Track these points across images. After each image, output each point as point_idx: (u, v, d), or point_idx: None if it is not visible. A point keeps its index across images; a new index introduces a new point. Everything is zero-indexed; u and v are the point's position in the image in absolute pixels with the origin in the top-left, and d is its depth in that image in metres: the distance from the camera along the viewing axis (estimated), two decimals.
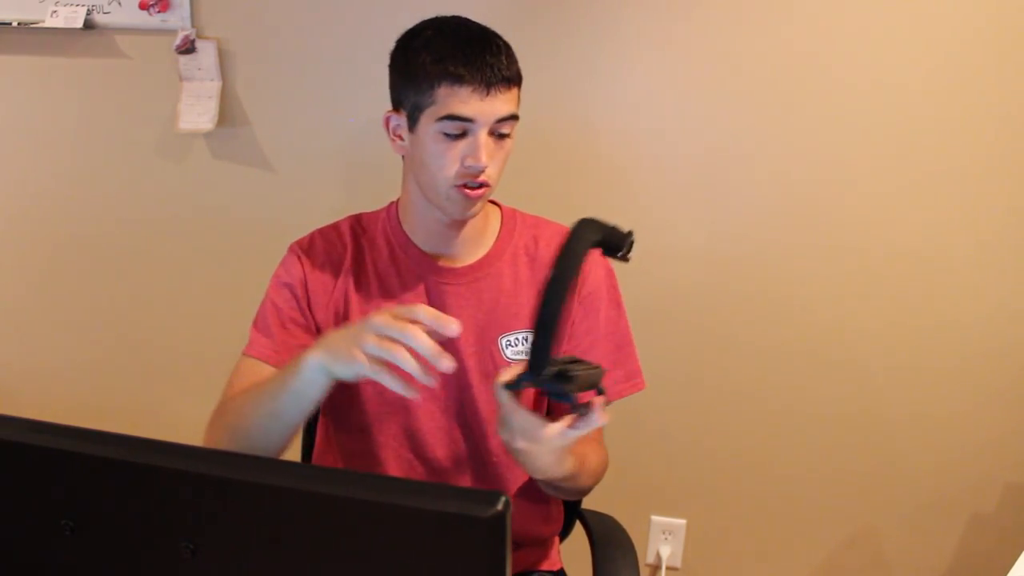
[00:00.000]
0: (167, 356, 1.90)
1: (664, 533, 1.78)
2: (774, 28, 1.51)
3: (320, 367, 0.87)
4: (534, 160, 1.63)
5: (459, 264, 1.12)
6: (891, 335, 1.60)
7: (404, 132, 1.07)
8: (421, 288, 1.11)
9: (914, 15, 1.47)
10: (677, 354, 1.67)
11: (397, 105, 1.08)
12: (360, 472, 0.93)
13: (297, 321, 1.11)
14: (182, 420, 1.95)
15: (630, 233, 0.83)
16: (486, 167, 1.01)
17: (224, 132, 1.72)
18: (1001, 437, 1.60)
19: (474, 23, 1.05)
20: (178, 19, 1.68)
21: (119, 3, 1.69)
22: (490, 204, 1.16)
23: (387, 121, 1.10)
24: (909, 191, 1.53)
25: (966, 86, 1.48)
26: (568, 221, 1.24)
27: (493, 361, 1.11)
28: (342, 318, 1.11)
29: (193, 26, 1.68)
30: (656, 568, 1.80)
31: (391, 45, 1.09)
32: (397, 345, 0.82)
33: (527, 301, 1.11)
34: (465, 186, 1.02)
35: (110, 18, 1.71)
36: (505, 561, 0.56)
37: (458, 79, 0.98)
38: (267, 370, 1.07)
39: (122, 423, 1.93)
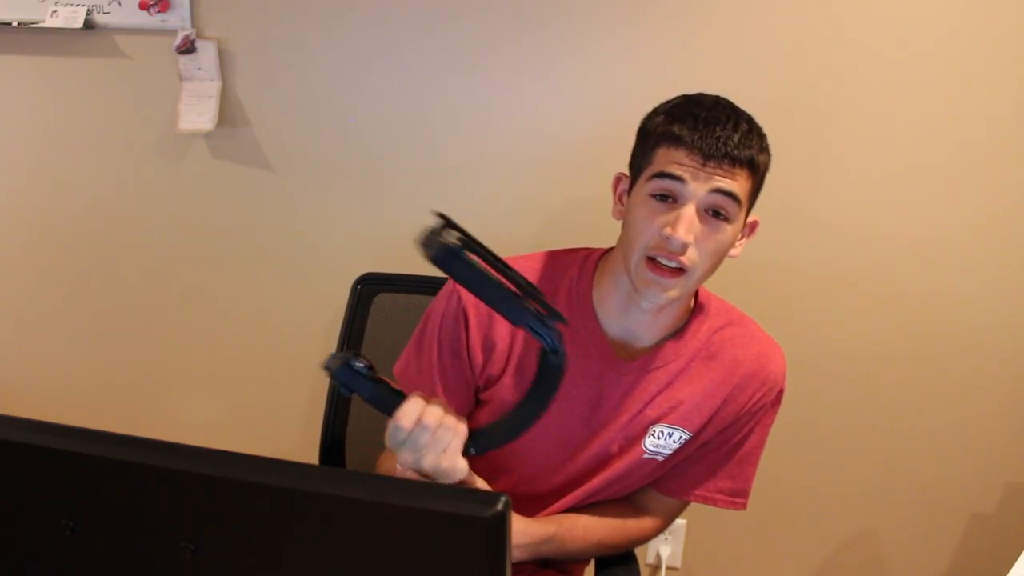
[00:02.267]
0: (167, 356, 1.90)
1: (664, 533, 1.77)
2: (774, 28, 1.51)
3: None
4: (532, 161, 1.63)
5: (637, 351, 1.06)
6: (891, 336, 1.60)
7: (626, 195, 1.02)
8: (592, 381, 1.05)
9: (914, 15, 1.47)
10: None
11: (630, 167, 1.03)
12: (360, 472, 0.93)
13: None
14: (182, 420, 1.96)
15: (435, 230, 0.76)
16: (685, 243, 0.93)
17: (224, 132, 1.72)
18: (1001, 437, 1.60)
19: (729, 103, 1.00)
20: (178, 19, 1.68)
21: (119, 3, 1.69)
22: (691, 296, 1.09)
23: (616, 182, 1.06)
24: (908, 194, 1.53)
25: (968, 86, 1.48)
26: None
27: (634, 446, 1.08)
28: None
29: (193, 26, 1.68)
30: (656, 568, 1.80)
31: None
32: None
33: (689, 399, 1.06)
34: (656, 261, 0.95)
35: (110, 18, 1.70)
36: (505, 561, 0.56)
37: (677, 140, 0.94)
38: None
39: (122, 423, 1.93)
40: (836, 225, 1.57)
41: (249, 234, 1.77)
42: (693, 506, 1.75)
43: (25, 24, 1.72)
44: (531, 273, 1.08)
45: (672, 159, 0.95)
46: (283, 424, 1.85)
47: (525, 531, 1.04)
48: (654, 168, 0.96)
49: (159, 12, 1.68)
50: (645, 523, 1.16)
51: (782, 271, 1.60)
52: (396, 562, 0.58)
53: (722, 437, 1.11)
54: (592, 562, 1.21)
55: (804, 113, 1.53)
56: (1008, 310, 1.55)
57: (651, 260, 0.96)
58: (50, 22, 1.69)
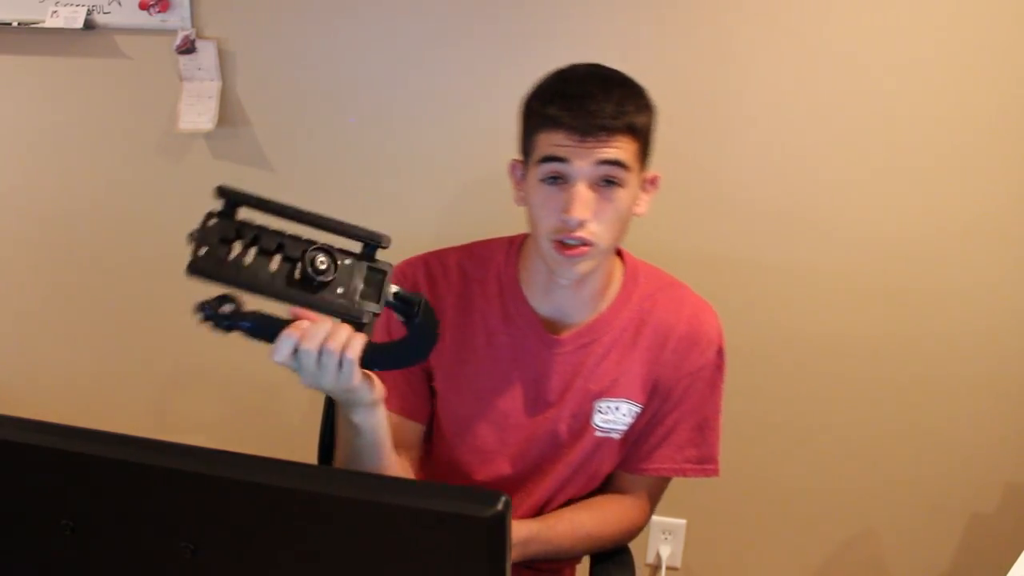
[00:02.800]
0: (167, 356, 1.90)
1: (664, 533, 1.78)
2: (775, 29, 1.51)
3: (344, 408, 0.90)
4: None
5: (568, 327, 1.08)
6: (891, 336, 1.60)
7: (523, 181, 1.04)
8: (531, 360, 1.08)
9: (911, 13, 1.47)
10: None
11: (520, 152, 1.05)
12: (360, 472, 0.93)
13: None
14: (183, 421, 1.96)
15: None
16: (582, 221, 0.96)
17: (224, 132, 1.72)
18: (1001, 437, 1.60)
19: (602, 68, 1.01)
20: (178, 19, 1.68)
21: (119, 3, 1.69)
22: (614, 258, 1.11)
23: (512, 169, 1.07)
24: (906, 195, 1.53)
25: (964, 84, 1.48)
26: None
27: (584, 424, 1.09)
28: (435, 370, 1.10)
29: (193, 26, 1.68)
30: (656, 568, 1.80)
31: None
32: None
33: (629, 369, 1.08)
34: (562, 242, 0.97)
35: (110, 18, 1.70)
36: (505, 561, 0.56)
37: (553, 122, 0.96)
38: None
39: (122, 423, 1.93)
40: (835, 224, 1.57)
41: None
42: (693, 506, 1.76)
43: (25, 24, 1.72)
44: (461, 262, 1.11)
45: (552, 142, 0.96)
46: (282, 424, 1.85)
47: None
48: (538, 153, 0.98)
49: (159, 12, 1.68)
50: (630, 508, 1.16)
51: (782, 271, 1.60)
52: (396, 562, 0.58)
53: (672, 404, 1.11)
54: (588, 564, 1.21)
55: (803, 113, 1.53)
56: (1008, 310, 1.55)
57: (557, 242, 0.98)
58: (50, 22, 1.69)
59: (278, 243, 0.79)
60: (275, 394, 1.85)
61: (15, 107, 1.82)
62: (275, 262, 0.79)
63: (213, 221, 0.79)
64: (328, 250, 0.80)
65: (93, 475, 0.60)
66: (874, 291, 1.58)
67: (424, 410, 1.13)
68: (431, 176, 1.68)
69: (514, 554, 1.04)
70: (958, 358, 1.58)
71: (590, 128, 0.95)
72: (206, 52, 1.68)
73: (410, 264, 1.12)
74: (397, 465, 1.03)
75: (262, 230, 0.80)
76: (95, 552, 0.62)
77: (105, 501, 0.60)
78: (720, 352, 1.13)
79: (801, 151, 1.55)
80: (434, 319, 0.84)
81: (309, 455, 1.36)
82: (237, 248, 0.79)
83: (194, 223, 0.82)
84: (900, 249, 1.56)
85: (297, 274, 0.79)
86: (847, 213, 1.56)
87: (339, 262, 0.80)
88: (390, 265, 0.83)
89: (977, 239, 1.53)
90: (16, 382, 1.98)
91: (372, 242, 0.82)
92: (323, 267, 0.79)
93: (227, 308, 0.80)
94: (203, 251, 0.77)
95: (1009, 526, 1.63)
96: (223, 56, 1.68)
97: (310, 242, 0.80)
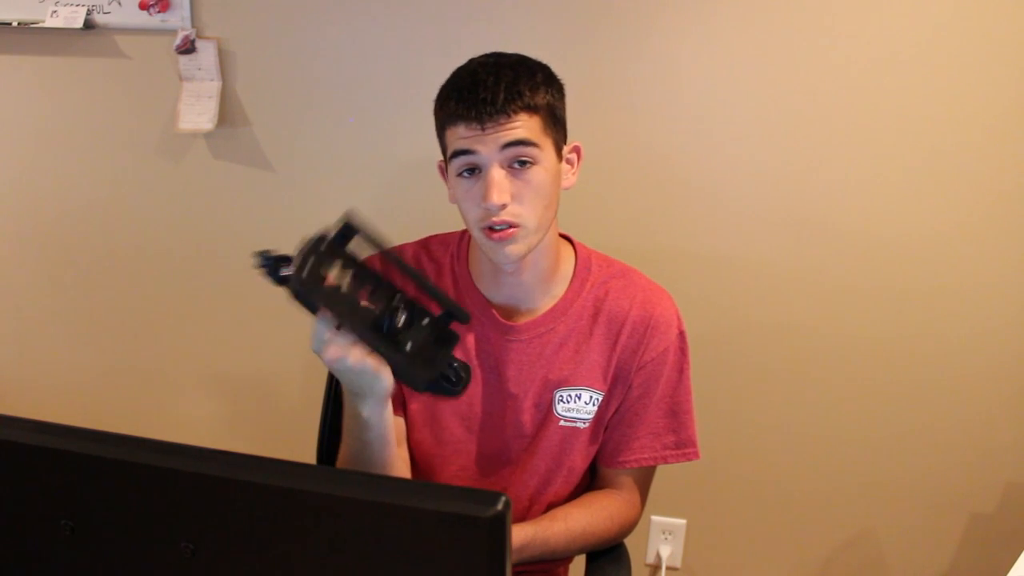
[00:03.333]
0: (167, 356, 1.90)
1: (664, 533, 1.78)
2: (776, 30, 1.51)
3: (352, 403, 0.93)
4: None
5: (524, 316, 1.10)
6: (891, 336, 1.60)
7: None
8: (489, 349, 1.10)
9: (913, 12, 1.47)
10: None
11: (441, 152, 1.08)
12: (360, 472, 0.93)
13: None
14: (182, 421, 1.96)
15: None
16: (502, 205, 0.98)
17: (224, 132, 1.72)
18: (1001, 437, 1.60)
19: (497, 56, 1.04)
20: (178, 19, 1.68)
21: (119, 3, 1.69)
22: (565, 246, 1.13)
23: (441, 171, 1.10)
24: (911, 195, 1.53)
25: (967, 84, 1.48)
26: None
27: (547, 414, 1.11)
28: None
29: (193, 26, 1.68)
30: (656, 568, 1.80)
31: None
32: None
33: (586, 358, 1.10)
34: (490, 228, 1.00)
35: (110, 18, 1.70)
36: (505, 561, 0.56)
37: (454, 117, 1.00)
38: None
39: (122, 423, 1.93)
40: (835, 224, 1.57)
41: (249, 234, 1.76)
42: (693, 506, 1.76)
43: (25, 24, 1.72)
44: (417, 255, 1.15)
45: (457, 136, 1.00)
46: (282, 424, 1.85)
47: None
48: (449, 149, 1.02)
49: (159, 12, 1.68)
50: (621, 503, 1.15)
51: (783, 271, 1.60)
52: (396, 562, 0.58)
53: (640, 392, 1.12)
54: (581, 562, 1.21)
55: (804, 113, 1.53)
56: (1008, 310, 1.55)
57: (486, 229, 1.00)
58: (50, 22, 1.70)
59: (372, 284, 0.86)
60: (275, 394, 1.85)
61: (15, 107, 1.82)
62: (363, 299, 0.86)
63: (325, 244, 0.85)
64: (411, 307, 0.86)
65: (93, 475, 0.60)
66: (873, 292, 1.58)
67: (401, 404, 1.14)
68: (431, 176, 1.68)
69: (511, 559, 1.04)
70: (958, 358, 1.58)
71: (485, 115, 0.97)
72: (206, 52, 1.68)
73: (369, 260, 1.13)
74: (400, 459, 1.03)
75: (362, 267, 0.86)
76: (95, 552, 0.62)
77: (105, 501, 0.60)
78: (682, 335, 1.14)
79: (801, 151, 1.55)
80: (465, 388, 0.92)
81: (308, 455, 1.36)
82: (335, 275, 0.85)
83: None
84: (901, 249, 1.56)
85: (378, 318, 0.85)
86: (849, 213, 1.56)
87: (416, 320, 0.87)
88: (458, 336, 0.89)
89: (977, 239, 1.53)
90: (16, 382, 1.98)
91: (454, 315, 0.88)
92: (400, 323, 0.85)
93: (285, 271, 0.84)
94: (307, 270, 0.82)
95: (1009, 526, 1.63)
96: (223, 56, 1.68)
97: (397, 292, 0.86)
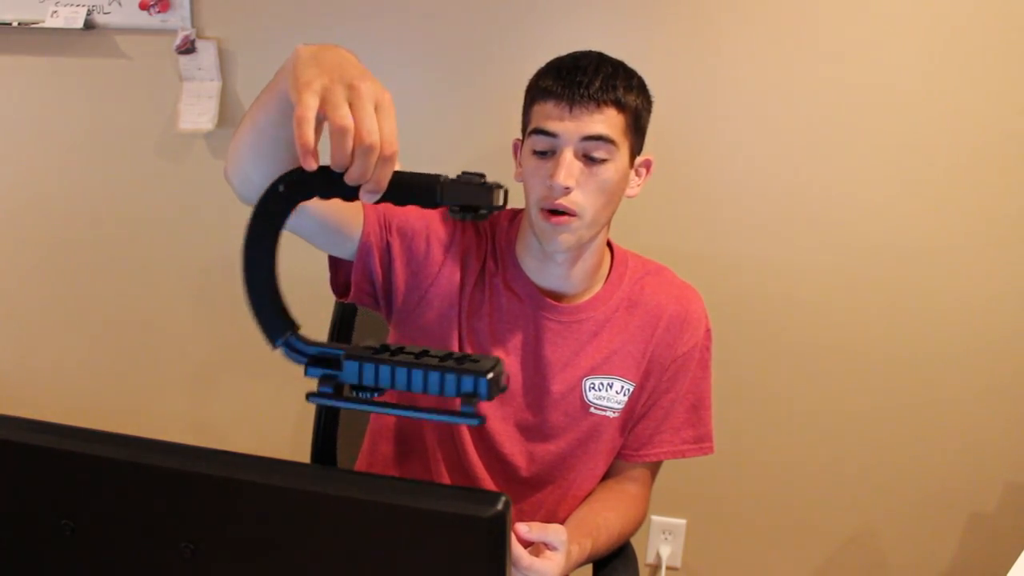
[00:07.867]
0: (167, 356, 1.90)
1: (664, 533, 1.78)
2: (776, 31, 1.51)
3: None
4: None
5: (564, 302, 1.10)
6: (891, 336, 1.60)
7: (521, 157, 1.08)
8: (527, 323, 1.10)
9: (921, 16, 1.47)
10: None
11: (521, 131, 1.08)
12: (360, 472, 0.93)
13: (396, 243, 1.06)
14: (181, 420, 1.96)
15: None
16: (568, 189, 0.98)
17: (224, 132, 1.72)
18: (1001, 436, 1.60)
19: (601, 54, 1.04)
20: (178, 19, 1.68)
21: (119, 3, 1.69)
22: (605, 247, 1.13)
23: (514, 147, 1.11)
24: (909, 190, 1.53)
25: (970, 86, 1.48)
26: None
27: (579, 399, 1.11)
28: (446, 308, 1.08)
29: (193, 26, 1.68)
30: (656, 568, 1.80)
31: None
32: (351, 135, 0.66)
33: (620, 349, 1.11)
34: (550, 211, 1.00)
35: (110, 18, 1.70)
36: (505, 561, 0.56)
37: (546, 93, 1.00)
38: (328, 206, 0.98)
39: (122, 423, 1.93)
40: (840, 227, 1.57)
41: None
42: (693, 506, 1.76)
43: (25, 24, 1.72)
44: (469, 228, 1.12)
45: (543, 113, 1.01)
46: (281, 424, 1.85)
47: (570, 559, 1.01)
48: (531, 125, 1.03)
49: (159, 12, 1.68)
50: (639, 500, 1.17)
51: (785, 272, 1.60)
52: (396, 562, 0.58)
53: (667, 385, 1.13)
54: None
55: (808, 115, 1.53)
56: (1008, 309, 1.55)
57: (544, 210, 1.01)
58: (50, 22, 1.70)
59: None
60: (275, 394, 1.85)
61: (15, 107, 1.82)
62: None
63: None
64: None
65: (93, 475, 0.60)
66: (873, 292, 1.58)
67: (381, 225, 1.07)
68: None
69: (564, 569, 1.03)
70: (958, 358, 1.58)
71: (577, 97, 0.98)
72: (206, 52, 1.68)
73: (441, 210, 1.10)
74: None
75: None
76: (95, 552, 0.62)
77: (105, 501, 0.60)
78: (708, 333, 1.16)
79: (801, 151, 1.55)
80: None
81: (302, 455, 1.36)
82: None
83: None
84: (901, 250, 1.56)
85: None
86: (851, 214, 1.56)
87: None
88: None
89: (980, 241, 1.53)
90: (16, 381, 1.98)
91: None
92: None
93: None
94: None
95: (1009, 526, 1.63)
96: (223, 56, 1.68)
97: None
